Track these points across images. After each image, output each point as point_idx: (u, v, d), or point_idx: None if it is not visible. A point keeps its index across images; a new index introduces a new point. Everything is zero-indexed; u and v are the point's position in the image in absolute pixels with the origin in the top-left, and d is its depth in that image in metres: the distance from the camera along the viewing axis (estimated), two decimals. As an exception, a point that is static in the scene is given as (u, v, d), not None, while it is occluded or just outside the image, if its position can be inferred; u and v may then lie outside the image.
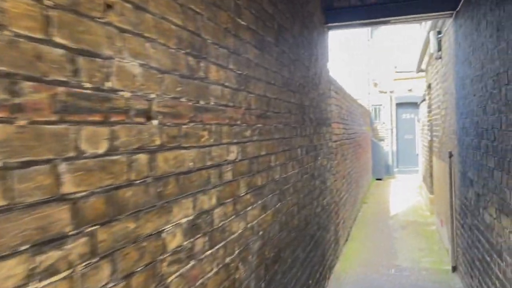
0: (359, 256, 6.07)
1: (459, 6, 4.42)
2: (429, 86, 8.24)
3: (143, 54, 1.35)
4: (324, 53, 5.13)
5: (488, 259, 3.26)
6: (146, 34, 1.36)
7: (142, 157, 1.33)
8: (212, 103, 1.86)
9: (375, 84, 17.26)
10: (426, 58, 8.23)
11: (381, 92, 17.28)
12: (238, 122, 2.18)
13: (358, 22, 5.06)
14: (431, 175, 8.63)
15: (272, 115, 2.81)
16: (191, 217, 1.63)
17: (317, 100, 4.51)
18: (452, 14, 4.69)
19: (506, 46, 2.61)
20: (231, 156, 2.06)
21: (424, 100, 9.36)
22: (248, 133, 2.31)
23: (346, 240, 6.79)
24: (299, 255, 3.48)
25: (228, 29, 2.06)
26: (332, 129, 5.70)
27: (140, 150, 1.32)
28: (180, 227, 1.54)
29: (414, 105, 17.32)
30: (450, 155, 5.07)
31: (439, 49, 5.96)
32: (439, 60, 6.10)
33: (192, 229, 1.64)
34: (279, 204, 2.90)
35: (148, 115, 1.37)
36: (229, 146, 2.04)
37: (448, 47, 5.27)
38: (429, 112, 8.57)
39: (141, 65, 1.34)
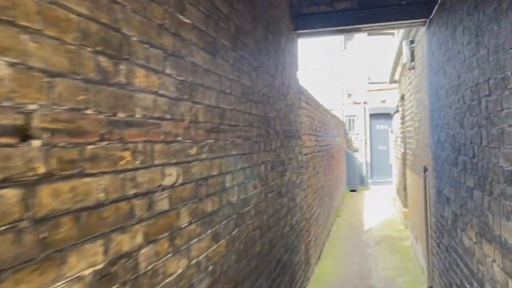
0: (331, 277, 5.75)
1: (432, 14, 4.22)
2: (402, 97, 8.09)
3: (16, 49, 0.97)
4: (293, 61, 4.84)
5: (468, 286, 2.98)
6: (21, 23, 0.99)
7: (10, 193, 0.94)
8: (139, 116, 1.49)
9: (349, 95, 17.23)
10: (399, 69, 8.09)
11: (355, 103, 17.25)
12: (179, 138, 1.82)
13: (328, 29, 4.80)
14: (404, 188, 8.45)
15: (228, 128, 2.46)
16: (100, 266, 1.24)
17: (284, 112, 4.20)
18: (425, 22, 4.49)
19: (486, 53, 2.35)
20: (168, 180, 1.69)
21: (397, 111, 9.23)
22: (193, 150, 1.95)
23: (319, 258, 6.47)
24: (262, 284, 3.11)
25: (164, 26, 1.70)
26: (303, 141, 5.40)
27: (6, 183, 0.93)
28: (81, 281, 1.16)
29: (388, 116, 17.36)
30: (425, 170, 4.84)
31: (412, 59, 5.77)
32: (412, 70, 5.91)
33: (103, 281, 1.25)
34: (236, 231, 2.54)
35: (23, 134, 0.99)
36: (164, 168, 1.67)
37: (421, 57, 5.08)
38: (402, 123, 8.42)
39: (12, 64, 0.96)
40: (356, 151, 17.13)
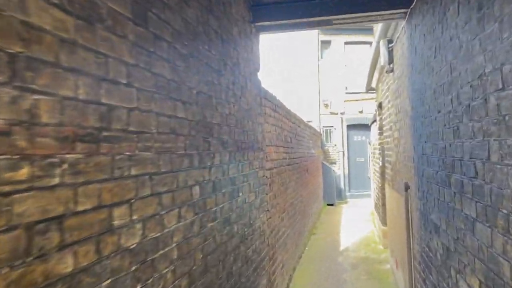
0: (300, 311, 4.93)
1: (413, 2, 3.53)
2: (379, 106, 7.44)
3: None
4: (252, 59, 4.08)
5: None
6: None
7: None
8: None
9: (326, 105, 16.65)
10: (376, 75, 7.45)
11: (332, 113, 16.67)
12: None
13: (293, 21, 4.06)
14: (383, 204, 7.76)
15: (123, 137, 1.64)
16: None
17: (237, 118, 3.41)
18: (405, 13, 3.81)
19: (498, 28, 1.62)
20: None
21: (374, 121, 8.59)
22: (21, 173, 1.13)
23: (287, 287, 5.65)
24: None
25: None
26: (266, 154, 4.62)
27: None
28: None
29: (365, 127, 16.83)
30: (406, 187, 4.12)
31: (391, 60, 5.10)
32: (391, 74, 5.24)
33: None
34: (136, 289, 1.71)
35: None
36: None
37: (400, 57, 4.40)
38: (380, 134, 7.76)
39: None
40: (334, 163, 16.50)
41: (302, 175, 8.24)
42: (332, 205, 14.44)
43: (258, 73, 4.34)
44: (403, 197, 4.39)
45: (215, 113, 2.83)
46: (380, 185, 7.96)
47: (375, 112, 8.30)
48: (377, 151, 8.30)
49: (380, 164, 7.71)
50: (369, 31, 17.29)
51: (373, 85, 8.05)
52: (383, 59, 5.18)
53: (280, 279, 5.18)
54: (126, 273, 1.63)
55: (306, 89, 16.46)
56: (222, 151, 2.95)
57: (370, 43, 17.39)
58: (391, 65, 5.13)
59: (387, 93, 5.88)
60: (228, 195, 3.06)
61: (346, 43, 16.82)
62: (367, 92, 8.32)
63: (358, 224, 10.64)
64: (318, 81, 16.69)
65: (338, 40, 16.81)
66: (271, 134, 5.10)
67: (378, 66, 6.96)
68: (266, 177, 4.51)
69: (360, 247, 8.09)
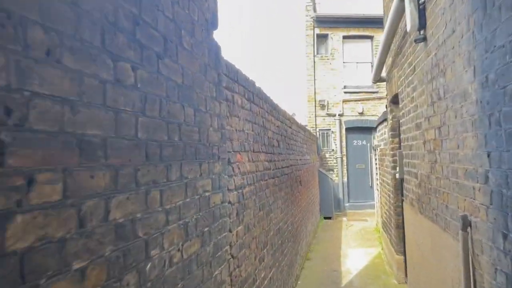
0: None
1: None
2: (394, 100, 5.74)
3: None
4: (201, 4, 2.36)
5: None
6: None
7: None
8: None
9: (323, 106, 14.97)
10: (388, 61, 5.76)
11: (329, 115, 14.99)
12: None
13: None
14: (397, 227, 6.05)
15: None
16: None
17: (154, 95, 1.69)
18: None
19: None
20: None
21: (384, 120, 6.89)
22: None
23: None
24: None
25: None
26: (233, 165, 2.91)
27: None
28: None
29: (366, 130, 15.17)
30: (466, 224, 2.40)
31: (422, 25, 3.40)
32: (421, 44, 3.54)
33: None
34: None
35: None
36: None
37: (447, 10, 2.70)
38: (394, 136, 6.06)
39: None
40: (331, 170, 14.80)
41: (294, 189, 6.52)
42: (329, 218, 12.72)
43: (215, 33, 2.62)
44: (454, 239, 2.67)
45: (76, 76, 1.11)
46: (392, 201, 6.24)
47: (385, 110, 6.61)
48: (388, 158, 6.59)
49: (393, 175, 6.00)
50: (370, 23, 15.66)
51: (383, 74, 6.35)
52: (409, 22, 3.47)
53: None
54: None
55: (300, 88, 14.80)
56: (104, 168, 1.23)
57: (371, 37, 15.79)
58: (422, 32, 3.43)
59: (410, 78, 4.18)
60: (121, 262, 1.33)
61: (344, 37, 15.18)
62: (374, 82, 6.63)
63: (362, 244, 8.92)
64: (314, 79, 15.02)
65: (335, 34, 15.16)
66: (243, 134, 3.39)
67: (392, 47, 5.28)
68: (231, 203, 2.79)
69: (367, 280, 6.36)
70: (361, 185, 14.96)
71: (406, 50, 4.35)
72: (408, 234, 4.86)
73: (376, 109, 15.00)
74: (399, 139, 5.82)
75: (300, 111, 15.66)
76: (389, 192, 6.69)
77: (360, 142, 15.14)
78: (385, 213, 7.39)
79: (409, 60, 4.18)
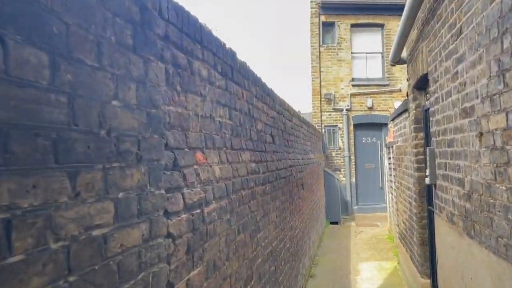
0: None
1: None
2: (419, 82, 4.55)
3: None
4: None
5: None
6: None
7: None
8: None
9: (329, 100, 13.77)
10: (413, 34, 4.56)
11: (336, 110, 13.79)
12: None
13: None
14: (422, 243, 4.86)
15: None
16: None
17: None
18: None
19: None
20: None
21: (403, 112, 5.70)
22: None
23: None
24: None
25: None
26: (191, 169, 1.77)
27: None
28: None
29: (376, 126, 13.95)
30: None
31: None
32: (479, -12, 2.35)
33: None
34: None
35: None
36: None
37: None
38: (417, 130, 4.88)
39: None
40: (338, 170, 13.61)
41: (294, 195, 5.36)
42: (336, 223, 11.53)
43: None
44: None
45: None
46: (415, 210, 5.05)
47: (405, 99, 5.41)
48: (409, 158, 5.41)
49: (417, 179, 4.82)
50: (380, 10, 14.36)
51: (403, 55, 5.16)
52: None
53: None
54: None
55: (304, 80, 13.61)
56: None
57: (381, 25, 14.51)
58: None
59: (451, 46, 2.99)
60: None
61: (352, 26, 13.96)
62: (393, 65, 5.44)
63: (374, 255, 7.74)
64: (319, 71, 13.81)
65: (342, 23, 13.94)
66: (211, 123, 2.24)
67: (420, 15, 4.09)
68: (172, 236, 1.63)
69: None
70: (371, 186, 13.75)
71: (444, 10, 3.16)
72: (442, 259, 3.68)
73: (387, 104, 13.78)
74: (426, 133, 4.64)
75: (304, 106, 14.48)
76: (409, 199, 5.51)
77: (370, 140, 13.92)
78: (404, 223, 6.21)
79: (450, 21, 2.99)
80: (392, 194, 8.53)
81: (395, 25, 13.91)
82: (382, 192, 13.63)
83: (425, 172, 4.02)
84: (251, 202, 3.02)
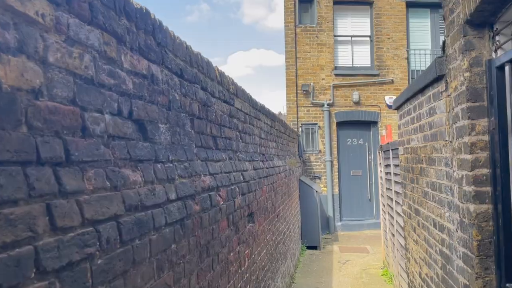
0: None
1: None
2: (481, 13, 2.00)
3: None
4: None
5: None
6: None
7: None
8: None
9: (307, 93, 11.26)
10: None
11: (315, 105, 11.29)
12: None
13: None
14: None
15: None
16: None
17: None
18: None
19: None
20: None
21: (427, 86, 3.16)
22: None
23: None
24: None
25: None
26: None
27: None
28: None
29: (364, 125, 11.46)
30: None
31: None
32: None
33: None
34: None
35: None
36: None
37: None
38: (474, 116, 2.31)
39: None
40: (318, 178, 11.09)
41: (226, 243, 2.74)
42: (315, 248, 8.98)
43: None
44: None
45: None
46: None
47: (441, 55, 2.83)
48: (450, 171, 2.86)
49: (468, 217, 2.27)
50: (369, -15, 11.79)
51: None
52: None
53: None
54: None
55: (276, 68, 11.09)
56: None
57: (370, 3, 12.02)
58: None
59: None
60: None
61: (335, 3, 11.48)
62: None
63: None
64: (295, 56, 11.27)
65: None
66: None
67: None
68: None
69: None
70: (357, 198, 11.27)
71: None
72: None
73: (377, 98, 11.33)
74: (499, 119, 2.11)
75: (275, 100, 11.95)
76: (447, 251, 2.93)
77: (356, 141, 11.44)
78: (424, 280, 3.63)
79: None
80: (392, 216, 6.00)
81: (386, 4, 11.52)
82: (370, 205, 11.19)
83: (491, 202, 1.46)
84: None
